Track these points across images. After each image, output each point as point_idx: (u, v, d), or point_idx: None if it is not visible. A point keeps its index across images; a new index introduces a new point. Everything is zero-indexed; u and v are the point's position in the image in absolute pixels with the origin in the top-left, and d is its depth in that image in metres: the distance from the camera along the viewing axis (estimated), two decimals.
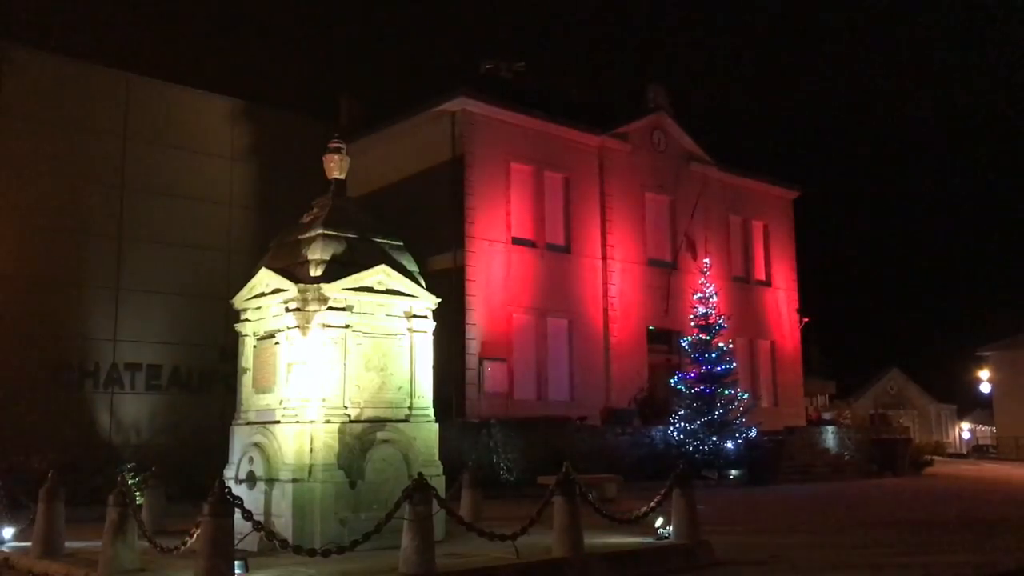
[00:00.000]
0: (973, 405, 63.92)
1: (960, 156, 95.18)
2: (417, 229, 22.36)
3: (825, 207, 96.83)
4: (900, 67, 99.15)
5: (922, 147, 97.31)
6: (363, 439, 10.36)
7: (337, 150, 11.69)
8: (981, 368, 52.50)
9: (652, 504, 9.88)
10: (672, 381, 26.28)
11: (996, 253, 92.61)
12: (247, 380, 11.20)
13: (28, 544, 10.63)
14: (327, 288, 10.41)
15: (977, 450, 58.36)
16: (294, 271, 10.73)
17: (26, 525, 11.14)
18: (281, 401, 10.50)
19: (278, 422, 10.43)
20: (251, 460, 10.47)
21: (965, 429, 67.38)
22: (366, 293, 10.74)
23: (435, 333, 11.44)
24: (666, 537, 10.23)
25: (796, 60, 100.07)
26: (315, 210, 11.56)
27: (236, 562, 7.81)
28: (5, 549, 11.13)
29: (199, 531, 7.78)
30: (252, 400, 11.06)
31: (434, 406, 11.35)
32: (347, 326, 10.51)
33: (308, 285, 10.43)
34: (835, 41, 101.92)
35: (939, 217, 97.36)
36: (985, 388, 52.66)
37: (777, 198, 35.06)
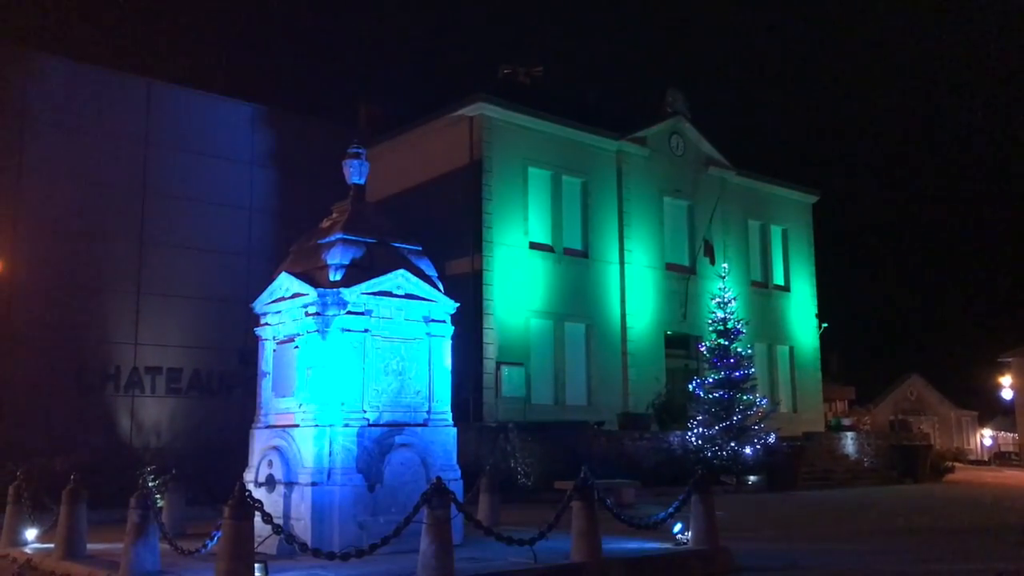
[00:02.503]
0: (995, 411, 63.28)
1: (981, 160, 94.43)
2: (435, 233, 22.45)
3: (845, 211, 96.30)
4: (919, 70, 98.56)
5: (943, 151, 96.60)
6: (381, 443, 10.41)
7: (356, 155, 11.78)
8: (1003, 374, 51.96)
9: (671, 510, 9.86)
10: (690, 386, 26.17)
11: (1019, 258, 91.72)
12: (267, 384, 11.28)
13: (51, 545, 10.76)
14: (346, 292, 10.47)
15: (999, 457, 57.79)
16: (314, 275, 10.80)
17: (49, 527, 11.27)
18: (300, 404, 10.56)
19: (297, 426, 10.49)
20: (270, 463, 10.53)
21: (986, 436, 66.73)
22: (385, 297, 10.80)
23: (453, 337, 11.48)
24: (685, 543, 10.21)
25: (815, 64, 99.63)
26: (334, 215, 11.65)
27: (256, 565, 7.86)
28: (28, 550, 11.26)
29: (219, 534, 7.83)
30: (272, 403, 11.13)
31: (452, 410, 11.39)
32: (366, 330, 10.57)
33: (327, 289, 10.50)
34: (855, 44, 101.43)
35: (960, 222, 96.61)
36: (1007, 394, 52.11)
37: (796, 203, 34.91)
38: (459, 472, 11.06)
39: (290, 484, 10.22)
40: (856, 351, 60.61)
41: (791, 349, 33.44)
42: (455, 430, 11.28)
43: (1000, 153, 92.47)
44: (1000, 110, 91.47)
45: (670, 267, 29.58)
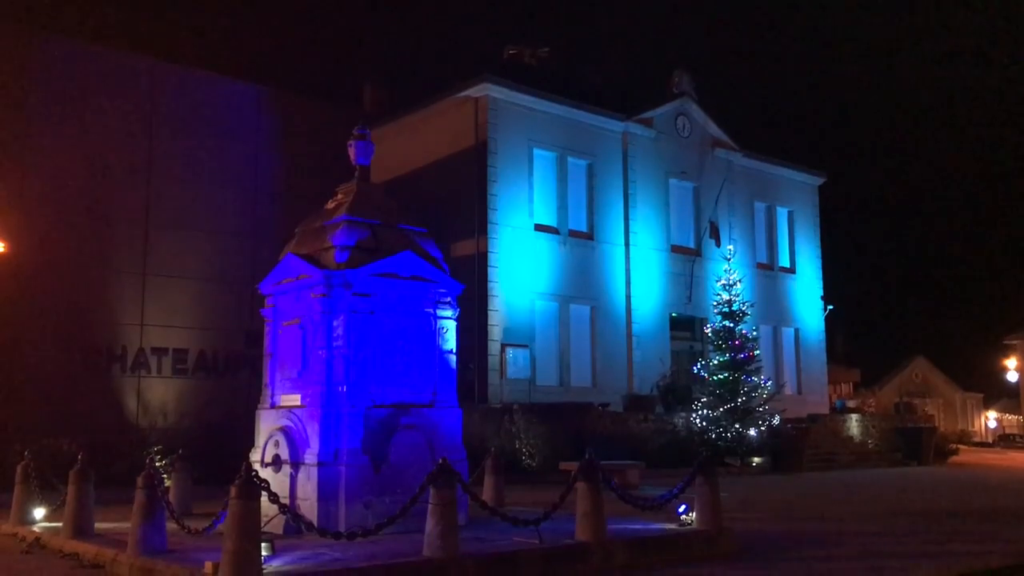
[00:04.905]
0: (999, 394, 63.30)
1: (989, 141, 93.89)
2: (441, 215, 22.44)
3: (851, 193, 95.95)
4: (927, 53, 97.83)
5: (950, 132, 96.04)
6: (387, 424, 10.44)
7: (362, 136, 11.76)
8: (1008, 356, 51.92)
9: (675, 491, 9.88)
10: (695, 368, 26.20)
11: None
12: (273, 365, 11.30)
13: (59, 524, 10.83)
14: (352, 274, 10.48)
15: (1003, 439, 57.81)
16: (319, 257, 10.80)
17: (57, 506, 11.35)
18: (306, 385, 10.59)
19: (303, 406, 10.52)
20: (277, 444, 10.58)
21: (991, 418, 66.75)
22: (390, 279, 10.80)
23: (458, 319, 11.49)
24: (689, 524, 10.24)
25: (822, 45, 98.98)
26: (340, 196, 11.64)
27: (262, 544, 7.89)
28: (37, 529, 11.34)
29: (226, 513, 7.86)
30: (278, 384, 11.16)
31: (457, 391, 11.41)
32: (371, 312, 10.58)
33: (333, 271, 10.50)
34: (862, 27, 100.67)
35: (967, 203, 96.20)
36: (1012, 377, 52.08)
37: (803, 184, 34.79)
38: (464, 453, 11.10)
39: (296, 464, 10.27)
40: (862, 333, 60.60)
41: (796, 331, 33.42)
42: (460, 411, 11.31)
43: (1007, 133, 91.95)
44: (1008, 89, 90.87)
45: (676, 249, 29.53)
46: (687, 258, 29.53)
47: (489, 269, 24.71)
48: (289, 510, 8.55)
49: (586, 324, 27.13)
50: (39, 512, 11.90)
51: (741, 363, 25.07)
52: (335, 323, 10.46)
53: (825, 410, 32.82)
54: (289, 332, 11.10)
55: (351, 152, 11.75)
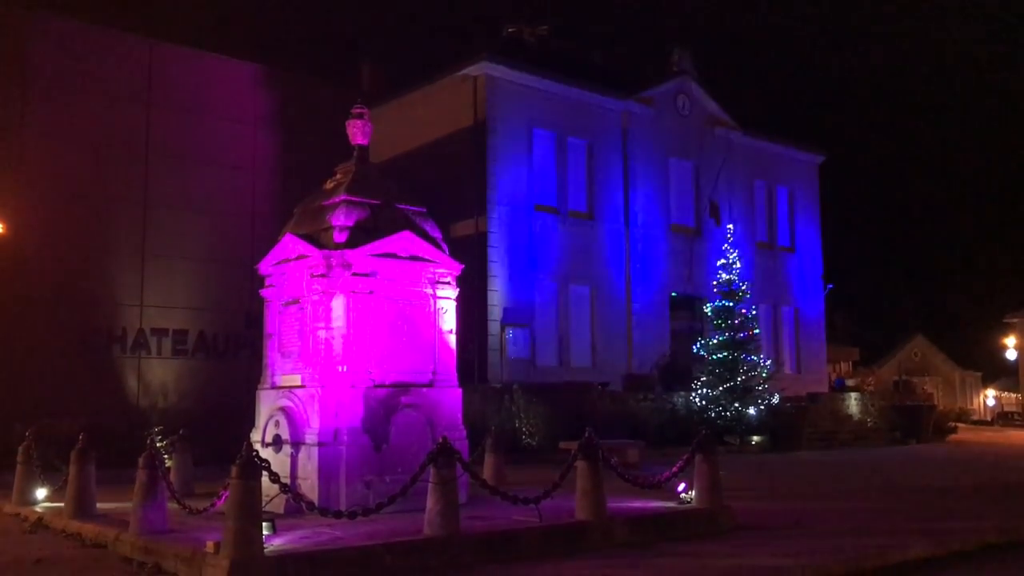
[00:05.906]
0: (999, 372, 63.40)
1: (989, 119, 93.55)
2: (440, 195, 22.32)
3: (851, 172, 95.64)
4: (927, 30, 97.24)
5: (950, 110, 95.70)
6: (387, 403, 10.47)
7: (360, 116, 11.71)
8: (1007, 335, 52.00)
9: (675, 469, 9.91)
10: (695, 347, 26.24)
11: None
12: (273, 345, 11.31)
13: (61, 504, 10.87)
14: (351, 254, 10.47)
15: (1002, 417, 57.98)
16: (318, 237, 10.79)
17: (59, 486, 11.40)
18: (306, 366, 10.60)
19: (304, 387, 10.54)
20: (277, 424, 10.61)
21: (990, 396, 66.90)
22: (390, 259, 10.79)
23: (458, 299, 11.49)
24: (688, 502, 10.28)
25: (822, 22, 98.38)
26: (338, 176, 11.61)
27: (263, 523, 7.93)
28: (39, 509, 11.39)
29: (227, 493, 7.89)
30: (278, 365, 11.18)
31: (457, 371, 11.43)
32: (371, 292, 10.58)
33: (332, 251, 10.49)
34: (862, 4, 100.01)
35: (967, 182, 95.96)
36: (1011, 355, 52.18)
37: (803, 163, 34.72)
38: (464, 432, 11.14)
39: (297, 444, 10.30)
40: (861, 312, 60.63)
41: (796, 310, 33.47)
42: (460, 391, 11.34)
43: (1008, 112, 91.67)
44: (1009, 66, 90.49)
45: (675, 228, 29.51)
46: (687, 237, 29.51)
47: (489, 249, 24.70)
48: (290, 490, 8.59)
49: (586, 304, 27.15)
50: (41, 492, 11.96)
51: (740, 342, 25.13)
52: (334, 303, 10.46)
53: (824, 389, 32.91)
54: (289, 312, 11.10)
55: (349, 131, 11.71)
